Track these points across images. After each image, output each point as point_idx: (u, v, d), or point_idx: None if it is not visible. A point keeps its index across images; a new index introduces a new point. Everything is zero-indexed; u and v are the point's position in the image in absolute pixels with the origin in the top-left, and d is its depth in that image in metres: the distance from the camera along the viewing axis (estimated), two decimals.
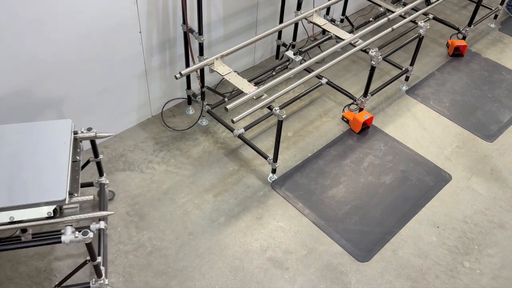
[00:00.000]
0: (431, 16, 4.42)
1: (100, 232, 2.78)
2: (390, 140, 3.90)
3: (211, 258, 3.01)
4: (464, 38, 4.93)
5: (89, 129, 2.64)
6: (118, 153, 3.59)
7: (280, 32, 4.31)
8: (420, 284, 2.96)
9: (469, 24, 4.84)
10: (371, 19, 4.85)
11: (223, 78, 3.25)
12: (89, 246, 2.39)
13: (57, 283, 2.65)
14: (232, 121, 2.93)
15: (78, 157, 2.58)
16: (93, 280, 2.63)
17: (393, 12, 4.00)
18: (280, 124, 3.17)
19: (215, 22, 3.82)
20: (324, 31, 4.56)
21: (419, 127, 4.04)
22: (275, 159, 3.42)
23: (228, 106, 2.94)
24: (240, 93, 3.41)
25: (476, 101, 4.34)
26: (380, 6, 4.25)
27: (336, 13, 4.85)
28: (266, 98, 3.11)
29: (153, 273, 2.91)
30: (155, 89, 3.77)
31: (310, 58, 3.46)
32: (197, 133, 3.80)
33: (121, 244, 3.04)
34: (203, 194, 3.37)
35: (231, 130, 3.58)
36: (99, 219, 2.63)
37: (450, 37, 5.00)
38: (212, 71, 3.30)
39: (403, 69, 4.30)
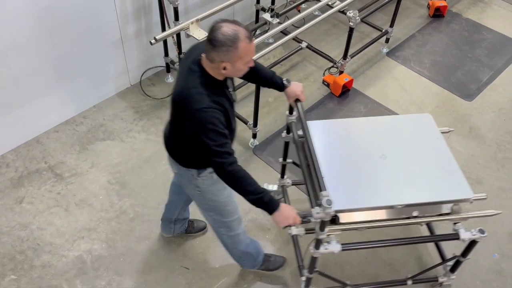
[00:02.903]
0: None
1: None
2: (370, 102, 3.92)
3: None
4: None
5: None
6: (97, 123, 3.57)
7: None
8: None
9: None
10: None
11: None
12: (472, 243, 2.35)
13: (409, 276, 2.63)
14: None
15: None
16: (443, 275, 2.69)
17: None
18: (257, 87, 3.16)
19: None
20: None
21: (399, 88, 4.05)
22: (255, 123, 3.42)
23: None
24: None
25: (456, 61, 4.34)
26: None
27: None
28: None
29: (136, 238, 2.94)
30: (132, 58, 3.72)
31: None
32: None
33: (103, 211, 3.05)
34: None
35: None
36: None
37: None
38: (188, 36, 3.26)
39: (383, 30, 4.28)
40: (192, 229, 2.95)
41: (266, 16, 3.50)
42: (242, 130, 3.61)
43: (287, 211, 2.03)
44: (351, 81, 3.91)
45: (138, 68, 3.82)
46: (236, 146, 3.48)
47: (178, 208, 2.73)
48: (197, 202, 2.40)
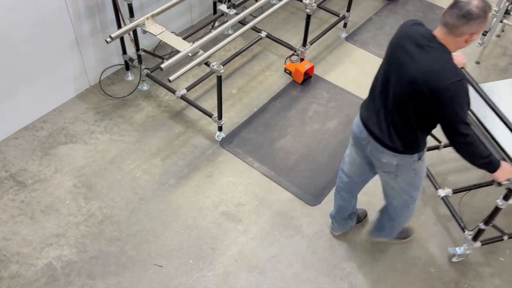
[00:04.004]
0: None
1: None
2: (332, 87, 3.96)
3: (164, 219, 3.02)
4: None
5: None
6: (58, 127, 3.49)
7: None
8: (368, 220, 3.09)
9: None
10: None
11: (161, 40, 3.17)
12: None
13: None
14: (169, 80, 2.89)
15: None
16: None
17: None
18: (219, 79, 3.15)
19: None
20: None
21: (359, 72, 4.11)
22: (220, 116, 3.41)
23: (162, 66, 2.89)
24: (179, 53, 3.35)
25: None
26: None
27: None
28: (202, 54, 3.07)
29: (107, 240, 2.90)
30: (89, 58, 3.64)
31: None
32: (139, 99, 3.73)
33: (70, 216, 2.99)
34: (151, 159, 3.34)
35: (173, 92, 3.53)
36: None
37: None
38: (144, 32, 3.21)
39: (340, 15, 4.33)
40: (360, 218, 3.05)
41: (223, 7, 3.49)
42: (207, 124, 3.60)
43: (507, 167, 2.24)
44: (312, 68, 3.95)
45: (97, 68, 3.74)
46: (202, 140, 3.49)
47: (352, 204, 2.83)
48: (403, 185, 2.46)
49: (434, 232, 3.05)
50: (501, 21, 4.02)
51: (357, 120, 2.44)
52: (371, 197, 3.16)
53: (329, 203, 3.16)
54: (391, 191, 2.56)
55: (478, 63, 4.23)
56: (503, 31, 4.55)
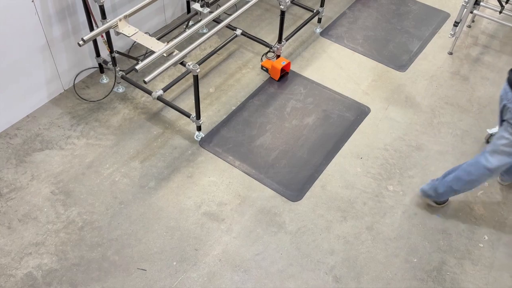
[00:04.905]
0: None
1: None
2: (309, 83, 3.98)
3: (146, 222, 2.99)
4: None
5: None
6: (33, 133, 3.41)
7: None
8: (350, 213, 3.12)
9: None
10: None
11: (135, 41, 3.12)
12: None
13: None
14: (144, 82, 2.85)
15: None
16: None
17: None
18: (195, 79, 3.13)
19: None
20: None
21: (335, 66, 4.13)
22: (198, 116, 3.39)
23: (137, 67, 2.85)
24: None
25: (387, 34, 4.49)
26: None
27: None
28: (177, 54, 3.04)
29: (88, 246, 2.85)
30: (62, 61, 3.57)
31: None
32: (115, 102, 3.68)
33: (49, 224, 2.94)
34: (129, 162, 3.30)
35: (150, 93, 3.49)
36: None
37: None
38: (117, 33, 3.16)
39: (314, 11, 4.34)
40: None
41: (197, 6, 3.46)
42: (185, 124, 3.58)
43: None
44: (288, 64, 3.95)
45: (70, 71, 3.67)
46: (181, 140, 3.46)
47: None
48: None
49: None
50: (471, 12, 4.09)
51: (504, 85, 2.67)
52: (351, 190, 3.19)
53: (311, 198, 3.18)
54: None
55: (451, 53, 4.31)
56: (473, 21, 4.64)
